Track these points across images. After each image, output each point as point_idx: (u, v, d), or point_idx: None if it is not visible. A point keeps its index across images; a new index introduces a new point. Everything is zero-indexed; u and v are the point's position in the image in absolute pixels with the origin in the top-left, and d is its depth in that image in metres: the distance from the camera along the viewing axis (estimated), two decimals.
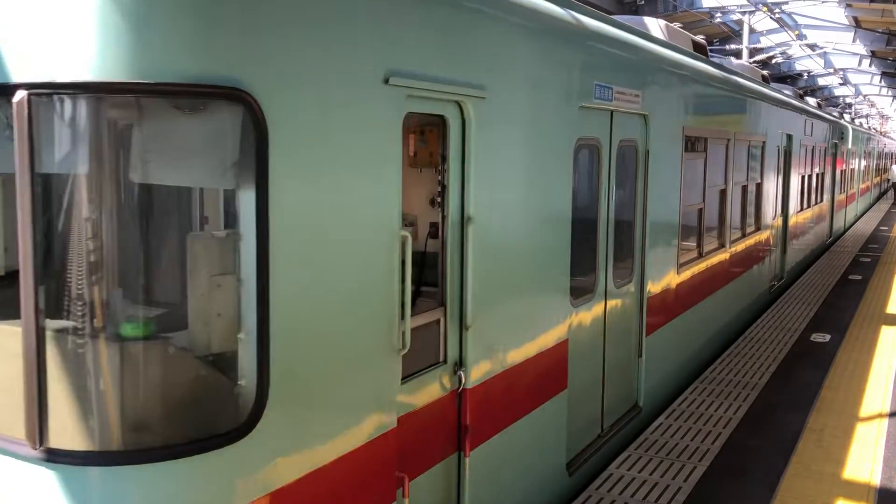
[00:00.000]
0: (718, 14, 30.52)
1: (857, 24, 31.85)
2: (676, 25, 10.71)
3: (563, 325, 5.95)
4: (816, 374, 9.43)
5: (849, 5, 27.93)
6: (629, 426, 7.48)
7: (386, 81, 3.87)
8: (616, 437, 7.16)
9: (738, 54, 31.67)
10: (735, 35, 33.68)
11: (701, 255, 9.65)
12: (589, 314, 6.51)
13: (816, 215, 19.34)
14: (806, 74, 43.22)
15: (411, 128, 5.24)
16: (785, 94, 16.33)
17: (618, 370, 7.24)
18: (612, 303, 6.96)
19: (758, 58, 33.74)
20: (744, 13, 30.01)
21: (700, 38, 10.78)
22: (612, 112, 6.66)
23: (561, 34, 5.80)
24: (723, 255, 10.63)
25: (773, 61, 37.20)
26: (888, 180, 49.62)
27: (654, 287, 7.88)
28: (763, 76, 15.29)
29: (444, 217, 4.62)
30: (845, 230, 26.42)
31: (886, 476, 6.57)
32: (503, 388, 5.17)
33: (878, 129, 64.85)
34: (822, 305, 13.46)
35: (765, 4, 28.22)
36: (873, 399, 8.50)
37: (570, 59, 5.90)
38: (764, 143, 12.60)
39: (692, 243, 9.45)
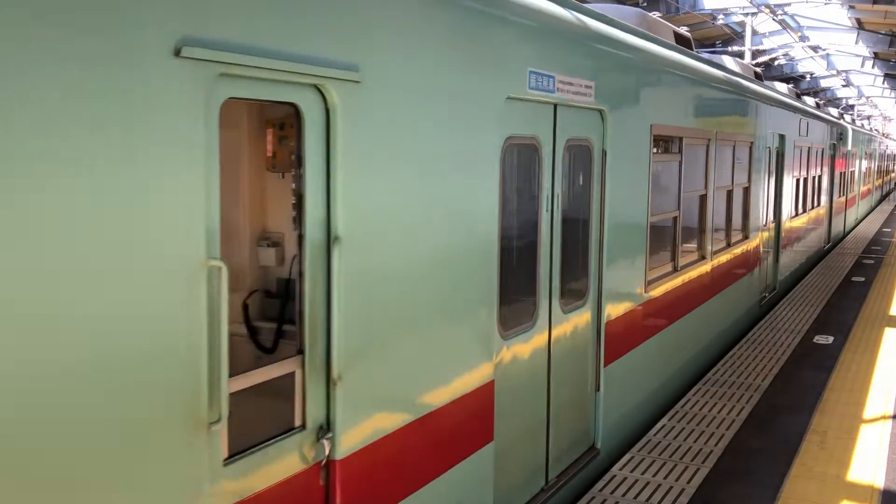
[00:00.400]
0: (721, 16, 30.54)
1: (860, 25, 31.86)
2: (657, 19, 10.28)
3: (488, 363, 4.89)
4: (820, 375, 9.42)
5: (851, 7, 27.95)
6: (584, 472, 6.42)
7: (177, 53, 2.82)
8: (566, 487, 6.14)
9: (740, 56, 31.68)
10: (737, 37, 33.71)
11: (676, 270, 8.59)
12: (527, 346, 5.50)
13: (813, 220, 18.57)
14: (809, 76, 43.26)
15: (270, 120, 4.33)
16: (779, 91, 15.57)
17: (568, 408, 6.21)
18: (559, 330, 5.94)
19: (760, 59, 33.75)
20: (746, 15, 30.01)
21: (684, 31, 10.17)
22: (555, 105, 5.63)
23: (477, 5, 4.68)
24: (703, 268, 9.59)
25: (776, 63, 37.22)
26: (894, 181, 49.61)
27: (614, 309, 6.83)
28: (756, 73, 14.57)
29: (301, 236, 3.57)
30: (844, 235, 25.88)
31: (890, 478, 6.56)
32: (394, 452, 4.09)
33: (881, 131, 64.83)
34: (825, 307, 13.44)
35: (767, 6, 28.23)
36: (877, 401, 8.49)
37: (491, 38, 4.76)
38: (752, 143, 11.66)
39: (664, 257, 8.40)
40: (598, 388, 6.69)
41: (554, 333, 5.89)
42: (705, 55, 11.54)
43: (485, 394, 4.89)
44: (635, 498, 6.07)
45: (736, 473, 6.59)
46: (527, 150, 5.42)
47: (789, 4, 28.71)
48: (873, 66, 39.78)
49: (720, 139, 9.93)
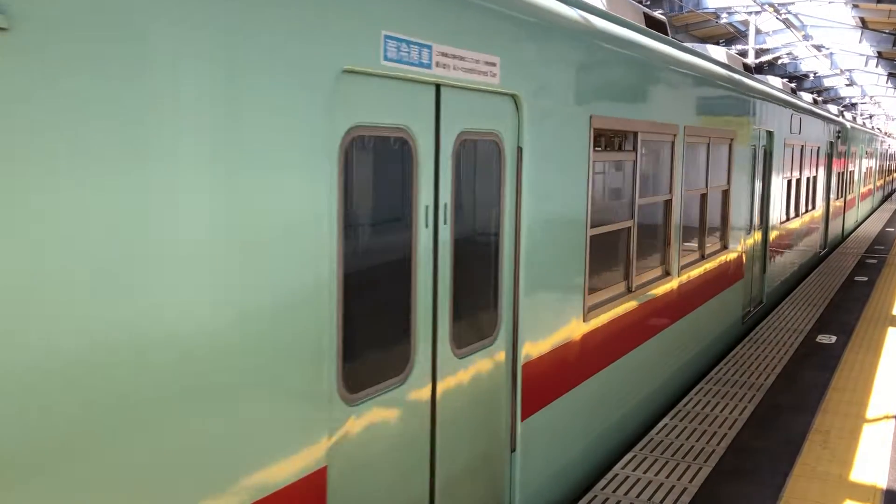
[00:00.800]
0: (724, 14, 30.52)
1: (864, 24, 31.83)
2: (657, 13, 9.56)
3: (315, 444, 3.55)
4: (822, 375, 9.41)
5: (855, 6, 27.91)
6: None
7: None
8: None
9: (744, 55, 31.66)
10: (741, 35, 33.69)
11: (630, 290, 7.25)
12: (393, 409, 4.12)
13: (807, 225, 17.31)
14: (812, 75, 43.25)
15: None
16: (769, 84, 14.23)
17: (466, 480, 4.83)
18: (449, 381, 4.59)
19: (763, 58, 33.73)
20: (749, 13, 29.99)
21: (658, 14, 9.28)
22: (437, 86, 4.30)
23: None
24: (667, 287, 8.21)
25: (779, 62, 37.20)
26: None
27: (536, 347, 5.46)
28: (745, 65, 13.27)
29: None
30: (843, 238, 25.03)
31: (893, 478, 6.55)
32: None
33: (883, 130, 64.75)
34: (828, 307, 13.43)
35: (770, 5, 28.19)
36: (880, 400, 8.48)
37: None
38: (732, 140, 10.35)
39: (613, 276, 7.02)
40: (513, 448, 5.33)
41: (441, 386, 4.53)
42: (688, 45, 10.54)
43: (308, 488, 3.53)
44: (638, 496, 6.06)
45: (738, 473, 6.58)
46: (393, 145, 4.08)
47: (793, 3, 28.66)
48: (877, 66, 39.73)
49: (690, 135, 8.58)
